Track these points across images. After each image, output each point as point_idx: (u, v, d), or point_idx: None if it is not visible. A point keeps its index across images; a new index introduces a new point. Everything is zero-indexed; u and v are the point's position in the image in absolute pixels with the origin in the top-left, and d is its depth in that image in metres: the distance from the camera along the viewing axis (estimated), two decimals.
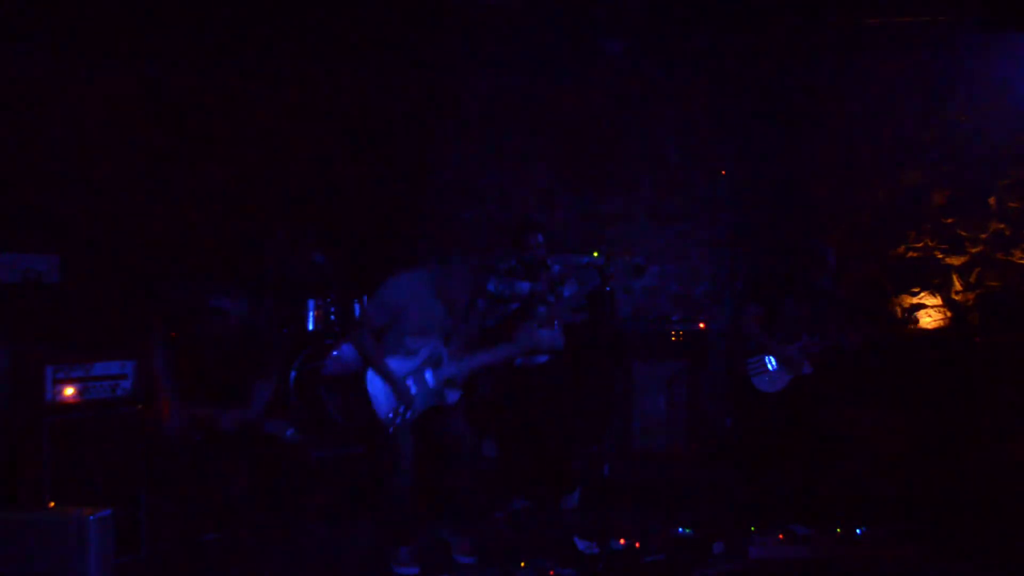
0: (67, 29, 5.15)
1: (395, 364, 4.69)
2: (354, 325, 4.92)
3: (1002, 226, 7.38)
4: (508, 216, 8.11)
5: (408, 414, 4.68)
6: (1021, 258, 7.33)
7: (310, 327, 6.37)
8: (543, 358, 5.71)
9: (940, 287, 7.48)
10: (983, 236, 7.40)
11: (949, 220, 7.47)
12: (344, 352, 6.30)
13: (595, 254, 7.29)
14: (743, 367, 5.43)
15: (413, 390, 4.70)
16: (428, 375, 4.75)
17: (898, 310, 7.50)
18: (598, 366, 6.80)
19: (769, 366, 5.34)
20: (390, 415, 4.64)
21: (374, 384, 4.66)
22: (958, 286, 7.44)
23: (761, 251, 7.51)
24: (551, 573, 4.45)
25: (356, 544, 5.07)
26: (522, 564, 4.54)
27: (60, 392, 4.44)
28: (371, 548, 4.92)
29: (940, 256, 7.49)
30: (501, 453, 6.29)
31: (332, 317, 6.51)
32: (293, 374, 6.23)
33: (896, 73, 7.52)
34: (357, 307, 6.68)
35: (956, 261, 7.46)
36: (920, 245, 7.53)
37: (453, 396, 4.80)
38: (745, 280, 6.45)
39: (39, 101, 5.32)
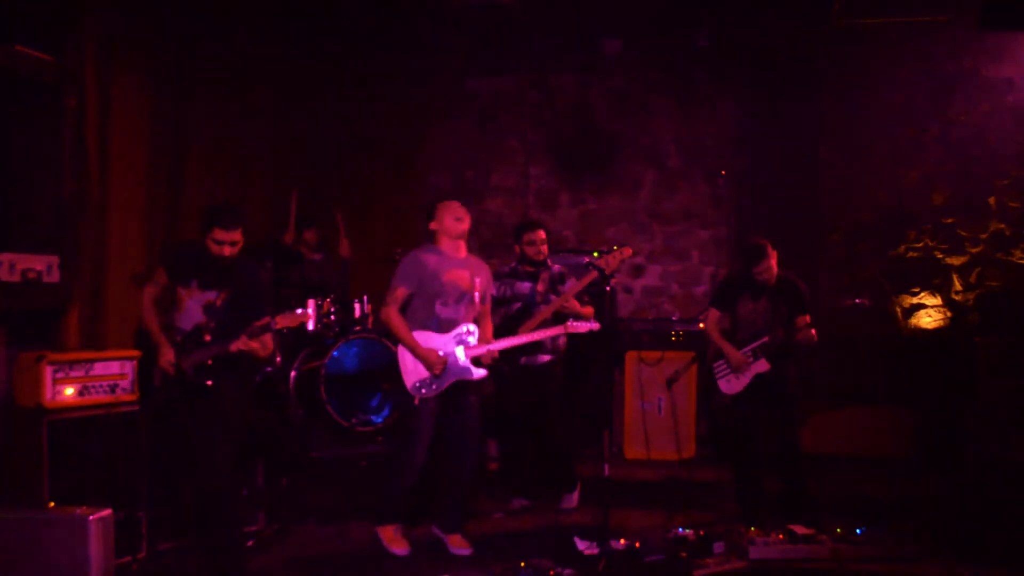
0: None
1: (426, 338, 4.80)
2: (381, 302, 4.99)
3: (1002, 226, 7.37)
4: (508, 216, 8.13)
5: (435, 386, 4.78)
6: (1021, 258, 7.33)
7: (310, 327, 6.36)
8: (546, 357, 5.73)
9: (940, 287, 7.48)
10: (983, 236, 7.40)
11: (949, 220, 7.47)
12: (344, 352, 6.31)
13: (595, 254, 7.30)
14: (710, 371, 5.52)
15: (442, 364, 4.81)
16: (457, 351, 4.84)
17: (898, 310, 7.50)
18: (598, 366, 6.79)
19: (729, 368, 5.41)
20: (417, 384, 4.77)
21: (405, 356, 4.82)
22: (958, 286, 7.44)
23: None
24: (551, 573, 4.45)
25: (356, 544, 5.07)
26: (522, 564, 4.54)
27: (60, 392, 4.44)
28: (371, 548, 4.93)
29: (940, 256, 7.49)
30: (503, 452, 6.29)
31: (332, 317, 6.50)
32: (293, 374, 6.23)
33: (896, 73, 7.52)
34: (357, 307, 6.69)
35: (956, 261, 7.46)
36: (920, 245, 7.52)
37: (479, 373, 4.92)
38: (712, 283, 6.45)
39: None
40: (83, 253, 5.02)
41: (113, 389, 4.63)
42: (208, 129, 6.28)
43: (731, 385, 5.42)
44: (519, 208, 8.12)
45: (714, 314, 5.57)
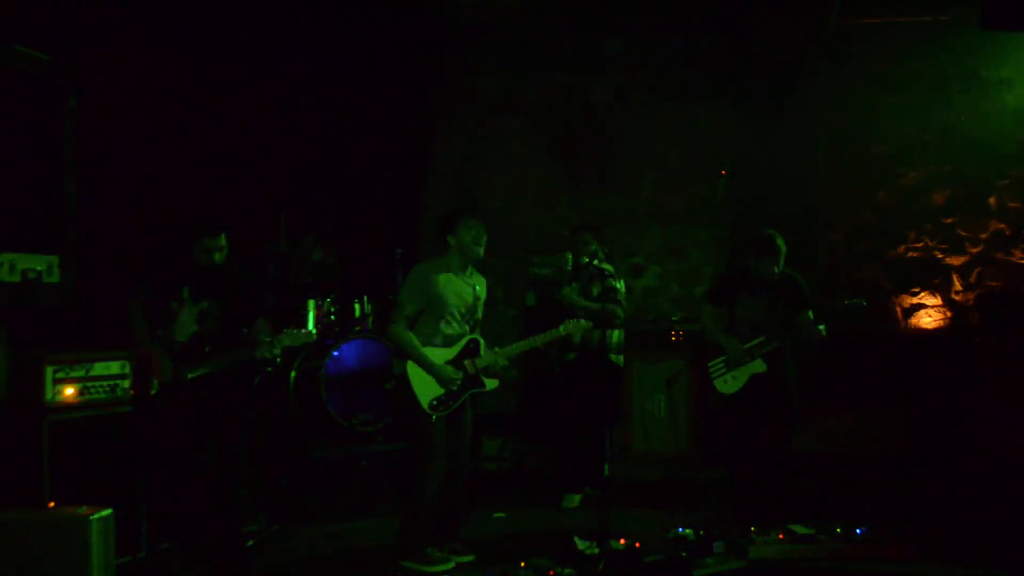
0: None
1: (435, 354, 4.73)
2: (389, 320, 4.94)
3: (1002, 226, 7.37)
4: (508, 216, 8.12)
5: (451, 401, 4.72)
6: (1021, 258, 7.33)
7: (310, 327, 6.35)
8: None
9: (940, 287, 7.48)
10: (983, 236, 7.40)
11: (949, 220, 7.47)
12: (344, 352, 6.30)
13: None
14: (706, 369, 5.45)
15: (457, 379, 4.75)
16: (467, 364, 4.78)
17: (898, 310, 7.50)
18: (598, 366, 6.79)
19: (726, 367, 5.34)
20: (434, 403, 4.69)
21: (416, 375, 4.71)
22: (958, 286, 7.44)
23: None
24: (551, 573, 4.45)
25: (358, 544, 5.07)
26: (522, 564, 4.54)
27: (60, 392, 4.44)
28: (372, 548, 4.93)
29: (940, 256, 7.49)
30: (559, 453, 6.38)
31: (332, 317, 6.50)
32: (293, 374, 6.22)
33: (896, 73, 7.52)
34: (357, 307, 6.68)
35: (956, 261, 7.46)
36: (920, 245, 7.52)
37: (491, 384, 4.85)
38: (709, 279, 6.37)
39: None
40: (83, 253, 5.02)
41: (113, 389, 4.63)
42: (208, 128, 6.27)
43: (727, 385, 5.35)
44: (519, 208, 8.11)
45: (709, 310, 5.50)
